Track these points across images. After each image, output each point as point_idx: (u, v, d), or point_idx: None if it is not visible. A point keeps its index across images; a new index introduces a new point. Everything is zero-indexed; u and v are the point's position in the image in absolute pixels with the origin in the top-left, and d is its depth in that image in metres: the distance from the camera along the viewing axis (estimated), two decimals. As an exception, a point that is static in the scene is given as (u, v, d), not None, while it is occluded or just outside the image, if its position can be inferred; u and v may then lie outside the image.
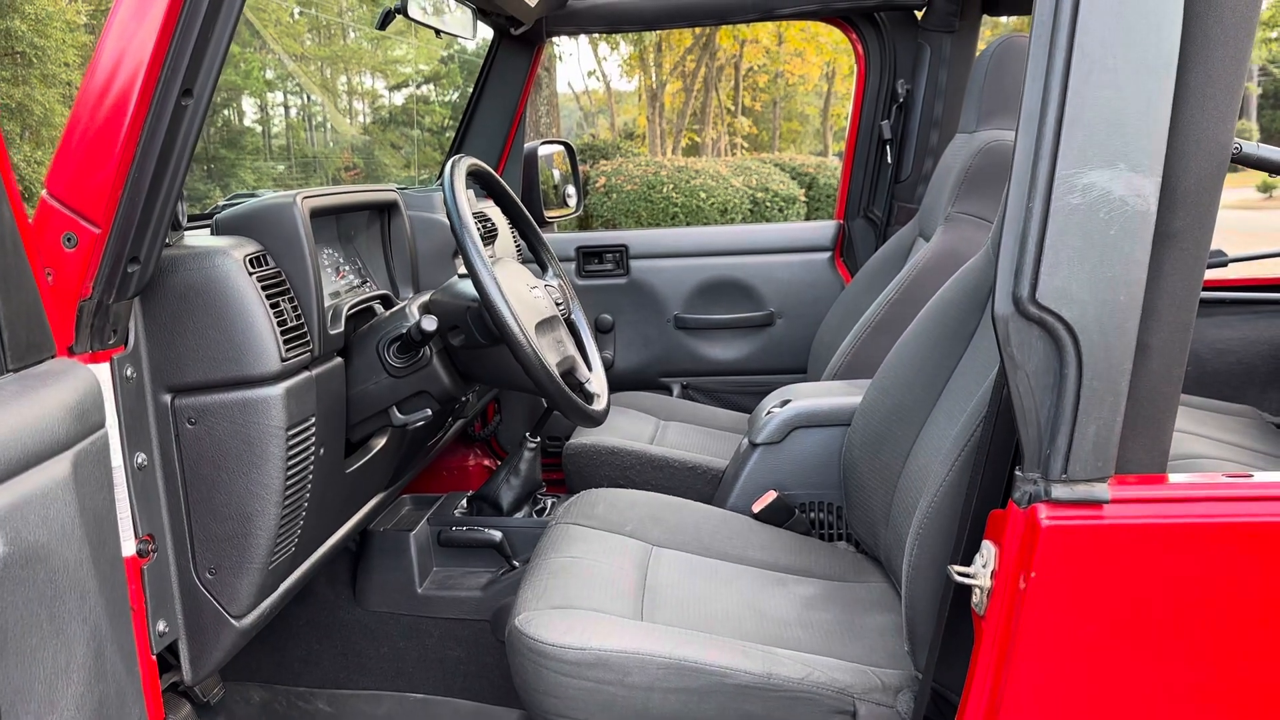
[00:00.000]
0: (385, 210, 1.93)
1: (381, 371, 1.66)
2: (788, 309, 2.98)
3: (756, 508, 1.91)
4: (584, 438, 2.28)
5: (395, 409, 1.68)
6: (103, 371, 1.17)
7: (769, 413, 2.03)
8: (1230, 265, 2.44)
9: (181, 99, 1.12)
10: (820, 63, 19.63)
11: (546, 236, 2.33)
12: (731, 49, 18.28)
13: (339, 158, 16.91)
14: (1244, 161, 1.70)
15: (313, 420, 1.45)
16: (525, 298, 1.73)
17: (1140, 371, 1.02)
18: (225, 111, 14.91)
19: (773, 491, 1.93)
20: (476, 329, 1.70)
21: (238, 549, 1.36)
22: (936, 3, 2.69)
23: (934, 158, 2.75)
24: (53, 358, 0.99)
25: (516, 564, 2.02)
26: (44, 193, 1.11)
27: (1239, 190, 20.26)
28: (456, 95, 17.96)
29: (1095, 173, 0.96)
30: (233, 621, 1.38)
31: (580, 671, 1.30)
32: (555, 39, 2.95)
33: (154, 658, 1.26)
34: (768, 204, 10.89)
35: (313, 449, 1.45)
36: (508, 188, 2.00)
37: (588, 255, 3.04)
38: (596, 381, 1.92)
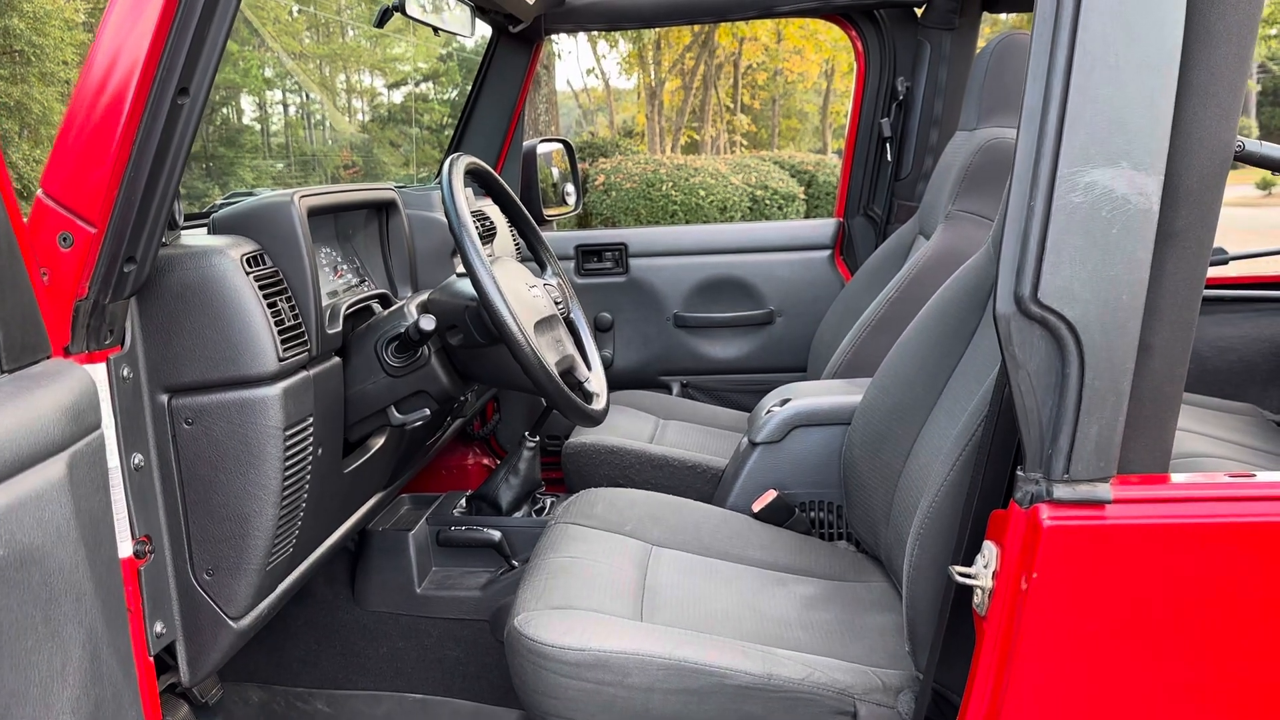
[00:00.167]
0: (383, 209, 1.93)
1: (380, 371, 1.65)
2: (787, 307, 2.98)
3: (756, 507, 1.91)
4: (583, 437, 2.28)
5: (393, 408, 1.67)
6: (99, 372, 1.16)
7: (769, 411, 2.03)
8: (1231, 263, 2.44)
9: (177, 98, 1.11)
10: (819, 60, 19.63)
11: (545, 235, 2.33)
12: (730, 46, 18.28)
13: (338, 156, 16.91)
14: (1246, 159, 1.70)
15: (310, 420, 1.44)
16: (524, 297, 1.72)
17: (1142, 371, 1.02)
18: (224, 110, 14.90)
19: (773, 491, 1.93)
20: (475, 328, 1.69)
21: (235, 550, 1.35)
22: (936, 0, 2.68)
23: (934, 155, 2.74)
24: (48, 358, 0.98)
25: (515, 564, 2.01)
26: (39, 192, 1.11)
27: (1238, 187, 20.25)
28: (455, 93, 17.97)
29: (1097, 171, 0.95)
30: (230, 622, 1.37)
31: (580, 672, 1.30)
32: (554, 37, 2.94)
33: (151, 659, 1.25)
34: (767, 202, 10.89)
35: (310, 449, 1.44)
36: (506, 186, 1.99)
37: (587, 253, 3.03)
38: (596, 381, 1.91)
